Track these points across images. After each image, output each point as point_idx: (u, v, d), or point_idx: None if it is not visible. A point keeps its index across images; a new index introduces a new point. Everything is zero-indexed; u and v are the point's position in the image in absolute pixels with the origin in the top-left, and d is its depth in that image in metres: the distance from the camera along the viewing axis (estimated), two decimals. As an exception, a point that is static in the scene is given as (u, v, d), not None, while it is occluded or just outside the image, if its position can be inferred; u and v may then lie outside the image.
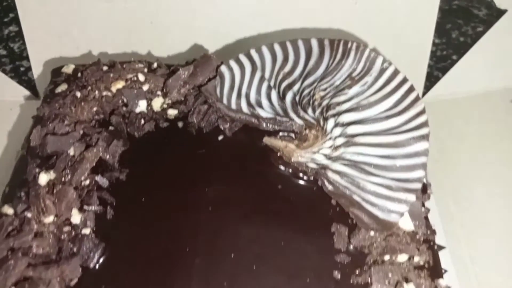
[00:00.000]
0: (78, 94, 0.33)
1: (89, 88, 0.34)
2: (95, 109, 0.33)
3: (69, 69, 0.36)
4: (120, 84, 0.33)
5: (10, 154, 0.43)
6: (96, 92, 0.33)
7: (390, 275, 0.27)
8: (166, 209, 0.29)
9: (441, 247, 0.31)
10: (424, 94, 0.53)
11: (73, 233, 0.27)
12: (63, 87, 0.34)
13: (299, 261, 0.27)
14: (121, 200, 0.29)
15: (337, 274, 0.27)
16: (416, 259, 0.28)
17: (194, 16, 0.42)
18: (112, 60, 0.36)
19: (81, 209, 0.28)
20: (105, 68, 0.35)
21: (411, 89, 0.30)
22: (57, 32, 0.46)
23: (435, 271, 0.28)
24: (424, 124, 0.29)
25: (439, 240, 0.31)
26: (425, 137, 0.29)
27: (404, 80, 0.31)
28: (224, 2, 0.42)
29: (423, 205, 0.31)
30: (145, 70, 0.34)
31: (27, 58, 0.50)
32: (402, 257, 0.28)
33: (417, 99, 0.30)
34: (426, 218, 0.30)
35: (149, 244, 0.27)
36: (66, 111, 0.32)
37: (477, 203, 0.43)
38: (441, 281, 0.28)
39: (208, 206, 0.29)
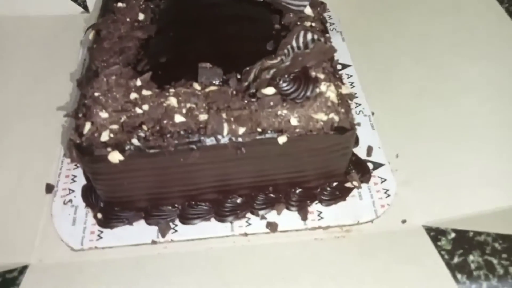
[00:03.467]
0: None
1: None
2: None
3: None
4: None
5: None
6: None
7: (300, 28, 0.54)
8: (188, 13, 0.56)
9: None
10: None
11: (140, 24, 0.54)
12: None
13: (258, 29, 0.55)
14: (160, 12, 0.56)
15: (274, 33, 0.54)
16: (314, 25, 0.55)
17: None
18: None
19: (142, 13, 0.55)
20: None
21: None
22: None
23: (324, 30, 0.55)
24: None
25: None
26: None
27: None
28: None
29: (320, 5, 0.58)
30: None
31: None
32: (307, 23, 0.55)
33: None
34: (322, 11, 0.57)
35: (180, 25, 0.54)
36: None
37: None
38: (327, 34, 0.55)
39: (214, 14, 0.56)
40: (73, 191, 0.54)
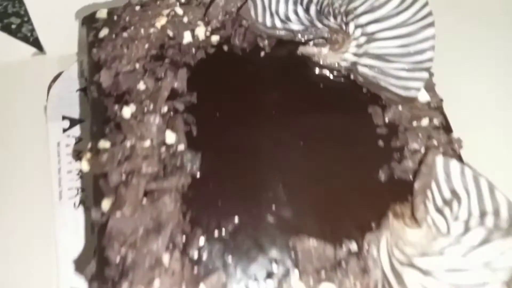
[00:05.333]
0: (125, 34, 0.36)
1: (133, 28, 0.37)
2: (146, 46, 0.36)
3: (102, 14, 0.38)
4: (163, 20, 0.37)
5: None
6: (142, 30, 0.37)
7: (420, 135, 0.35)
8: (238, 118, 0.35)
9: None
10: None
11: (171, 150, 0.33)
12: (105, 31, 0.37)
13: (352, 138, 0.35)
14: (199, 118, 0.34)
15: (381, 143, 0.35)
16: (434, 121, 0.36)
17: None
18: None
19: (172, 130, 0.33)
20: (137, 8, 0.38)
21: (413, -13, 0.37)
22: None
23: (447, 128, 0.37)
24: (429, 14, 0.36)
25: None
26: (431, 24, 0.36)
27: (406, -20, 0.37)
28: None
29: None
30: (178, 3, 0.38)
31: (16, 14, 0.51)
32: (425, 121, 0.36)
33: (419, -6, 0.37)
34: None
35: (233, 146, 0.34)
36: (121, 52, 0.36)
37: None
38: (453, 134, 0.37)
39: (271, 110, 0.35)
40: None
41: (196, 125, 0.34)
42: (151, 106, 0.34)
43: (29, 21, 0.51)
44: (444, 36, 0.40)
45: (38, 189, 0.43)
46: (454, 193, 0.31)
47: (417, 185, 0.31)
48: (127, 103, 0.34)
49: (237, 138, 0.34)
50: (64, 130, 0.46)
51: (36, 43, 0.52)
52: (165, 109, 0.34)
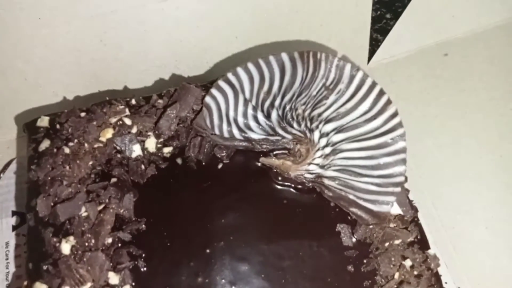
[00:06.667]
0: (67, 150, 0.33)
1: (76, 141, 0.33)
2: (90, 163, 0.33)
3: (44, 122, 0.35)
4: (109, 133, 0.33)
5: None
6: (86, 144, 0.33)
7: (392, 259, 0.32)
8: (192, 248, 0.31)
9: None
10: (368, 59, 0.57)
11: (114, 292, 0.29)
12: (46, 144, 0.34)
13: (318, 265, 0.32)
14: (148, 250, 0.31)
15: (350, 268, 0.32)
16: (408, 238, 0.34)
17: (167, 40, 0.40)
18: (85, 104, 0.35)
19: (115, 269, 0.30)
20: (82, 114, 0.35)
21: (381, 93, 0.34)
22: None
23: (423, 243, 0.34)
24: (399, 125, 0.33)
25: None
26: (401, 137, 0.33)
27: (374, 84, 0.34)
28: (195, 29, 0.41)
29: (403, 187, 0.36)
30: (127, 110, 0.34)
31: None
32: (398, 241, 0.33)
33: (388, 102, 0.34)
34: (409, 200, 0.35)
35: (187, 285, 0.30)
36: (61, 171, 0.32)
37: (429, 154, 0.50)
38: (430, 251, 0.34)
39: (229, 236, 0.32)
40: None
41: (144, 259, 0.30)
42: (93, 241, 0.30)
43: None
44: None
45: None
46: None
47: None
48: (67, 234, 0.30)
49: (191, 276, 0.30)
50: (14, 228, 0.42)
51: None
52: (109, 241, 0.31)
